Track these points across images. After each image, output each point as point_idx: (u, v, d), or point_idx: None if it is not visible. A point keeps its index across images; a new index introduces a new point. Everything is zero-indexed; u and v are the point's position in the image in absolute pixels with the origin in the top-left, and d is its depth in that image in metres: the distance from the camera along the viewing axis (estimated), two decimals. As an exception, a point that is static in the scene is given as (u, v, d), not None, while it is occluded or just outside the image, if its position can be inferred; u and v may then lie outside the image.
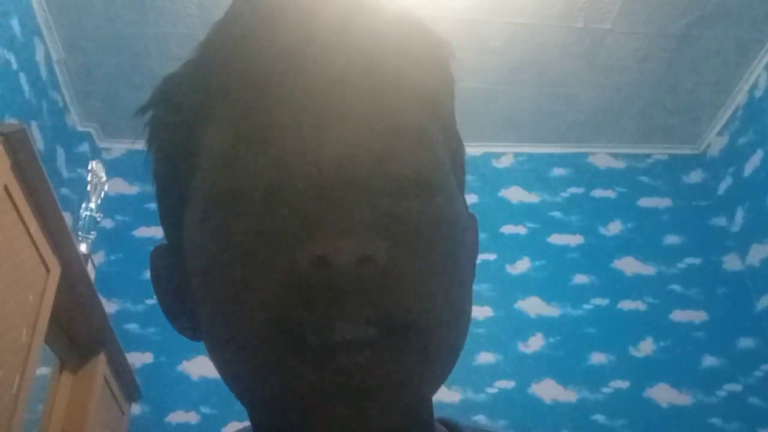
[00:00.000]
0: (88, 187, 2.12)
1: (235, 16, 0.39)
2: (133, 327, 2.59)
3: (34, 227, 1.25)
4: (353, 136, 0.35)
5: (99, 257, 2.66)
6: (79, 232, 2.02)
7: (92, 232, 2.06)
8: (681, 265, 2.88)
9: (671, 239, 2.95)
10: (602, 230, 2.97)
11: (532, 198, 3.04)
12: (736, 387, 2.61)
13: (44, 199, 1.27)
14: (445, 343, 0.36)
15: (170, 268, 0.41)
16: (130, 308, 2.64)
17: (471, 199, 3.04)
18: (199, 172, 0.38)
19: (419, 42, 0.40)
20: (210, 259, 0.36)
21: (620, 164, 3.15)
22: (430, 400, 0.41)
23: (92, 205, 2.08)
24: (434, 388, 0.37)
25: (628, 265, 2.88)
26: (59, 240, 1.37)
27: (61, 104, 2.70)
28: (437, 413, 0.44)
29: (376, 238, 0.33)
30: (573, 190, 3.07)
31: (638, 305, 2.79)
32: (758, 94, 2.79)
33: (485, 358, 2.65)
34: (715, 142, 3.09)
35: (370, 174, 0.34)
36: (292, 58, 0.36)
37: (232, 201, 0.35)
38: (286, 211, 0.34)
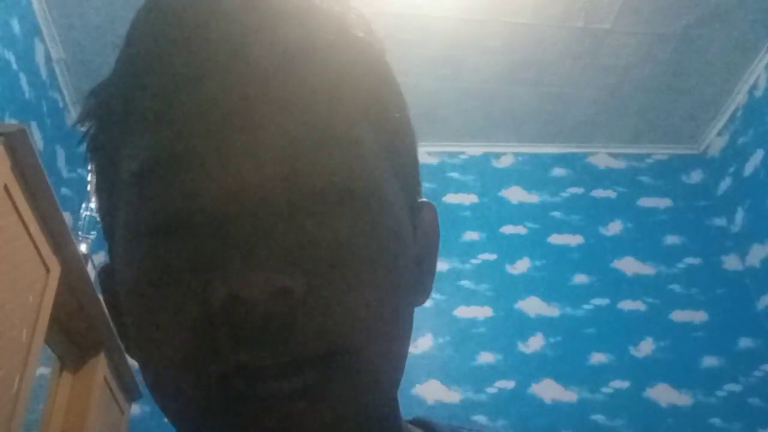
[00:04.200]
0: (88, 187, 2.12)
1: (145, 20, 0.36)
2: (133, 327, 2.58)
3: (34, 227, 1.25)
4: (261, 152, 0.31)
5: (99, 257, 2.66)
6: (79, 232, 2.01)
7: (92, 232, 2.06)
8: (681, 265, 2.88)
9: (671, 239, 2.95)
10: (602, 230, 2.97)
11: (532, 198, 3.04)
12: (736, 387, 2.61)
13: (44, 199, 1.27)
14: (378, 371, 0.33)
15: (113, 290, 0.38)
16: (130, 308, 2.63)
17: (471, 198, 3.05)
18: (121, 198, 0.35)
19: (348, 41, 0.36)
20: (128, 289, 0.34)
21: (620, 164, 3.15)
22: (396, 401, 0.39)
23: (92, 205, 2.08)
24: (373, 417, 0.34)
25: (628, 265, 2.88)
26: (59, 240, 1.37)
27: (61, 104, 2.70)
28: (438, 413, 0.43)
29: (290, 267, 0.30)
30: (573, 190, 3.07)
31: (638, 305, 2.79)
32: (758, 94, 2.79)
33: (485, 358, 2.65)
34: (715, 142, 3.09)
35: (284, 193, 0.31)
36: (198, 67, 0.33)
37: (141, 234, 0.33)
38: (192, 244, 0.31)
